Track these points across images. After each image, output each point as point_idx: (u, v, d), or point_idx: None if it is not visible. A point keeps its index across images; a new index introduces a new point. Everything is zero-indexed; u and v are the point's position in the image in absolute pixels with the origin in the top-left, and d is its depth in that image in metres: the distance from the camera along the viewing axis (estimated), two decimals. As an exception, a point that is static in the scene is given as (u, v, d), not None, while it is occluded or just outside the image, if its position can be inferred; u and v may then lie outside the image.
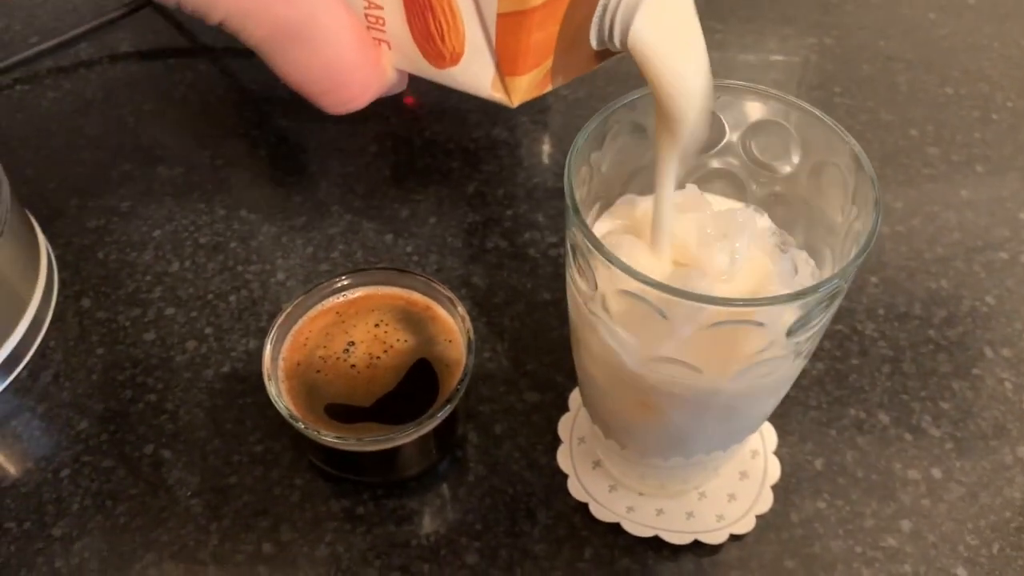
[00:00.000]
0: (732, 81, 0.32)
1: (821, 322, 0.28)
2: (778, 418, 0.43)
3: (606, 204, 0.33)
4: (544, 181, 0.54)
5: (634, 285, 0.27)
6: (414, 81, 0.59)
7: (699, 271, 0.29)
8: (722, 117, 0.33)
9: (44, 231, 0.50)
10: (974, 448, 0.43)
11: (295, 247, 0.51)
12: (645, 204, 0.33)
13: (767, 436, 0.43)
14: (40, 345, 0.47)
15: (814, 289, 0.26)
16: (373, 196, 0.53)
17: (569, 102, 0.58)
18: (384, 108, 0.57)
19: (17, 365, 0.46)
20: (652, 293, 0.27)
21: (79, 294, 0.49)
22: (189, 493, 0.41)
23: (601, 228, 0.33)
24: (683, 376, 0.29)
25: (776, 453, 0.42)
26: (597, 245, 0.27)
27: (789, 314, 0.27)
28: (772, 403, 0.35)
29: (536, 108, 0.58)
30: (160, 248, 0.51)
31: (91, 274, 0.50)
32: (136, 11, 0.62)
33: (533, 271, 0.49)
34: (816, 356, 0.46)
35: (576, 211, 0.28)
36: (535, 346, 0.46)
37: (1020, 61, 0.61)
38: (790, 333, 0.27)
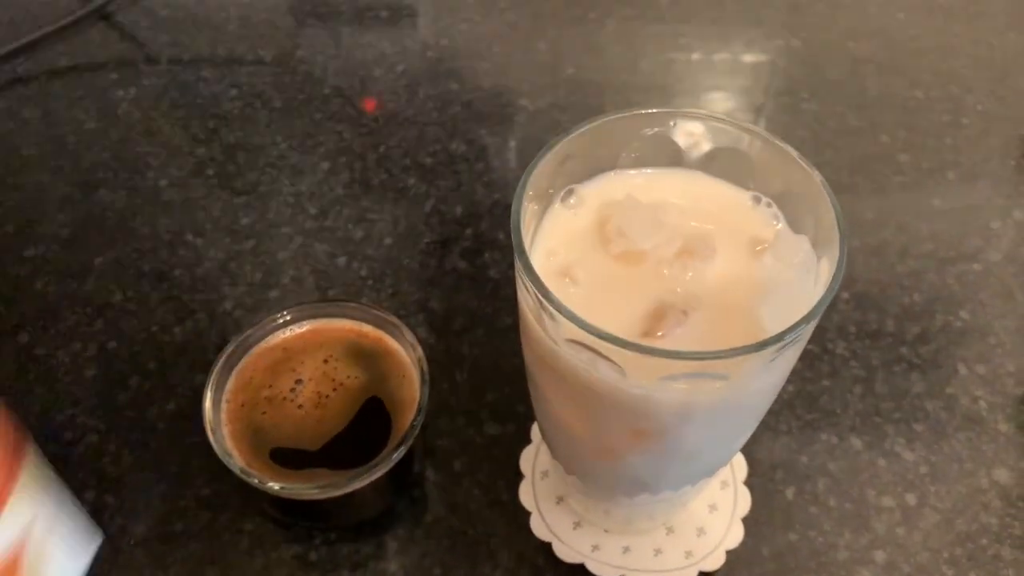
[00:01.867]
0: (689, 109, 0.30)
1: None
2: (748, 445, 0.41)
3: (548, 197, 0.31)
4: (504, 197, 0.52)
5: (582, 336, 0.25)
6: (375, 84, 0.57)
7: (674, 307, 0.27)
8: (679, 143, 0.31)
9: (-22, 262, 0.48)
10: (949, 472, 0.41)
11: (243, 273, 0.48)
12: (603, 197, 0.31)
13: (737, 466, 0.41)
14: (-27, 386, 0.44)
15: (775, 340, 0.24)
16: (326, 216, 0.51)
17: (530, 113, 0.56)
18: (338, 122, 0.55)
19: (-52, 408, 0.43)
20: (601, 345, 0.25)
21: (16, 328, 0.46)
22: (133, 542, 0.39)
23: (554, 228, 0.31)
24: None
25: (746, 483, 0.41)
26: (552, 300, 0.25)
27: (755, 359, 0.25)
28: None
29: (495, 120, 0.56)
30: (102, 277, 0.48)
31: (29, 307, 0.47)
32: (76, 23, 0.59)
33: (494, 293, 0.48)
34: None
35: (526, 261, 0.26)
36: (495, 374, 0.44)
37: (990, 62, 0.59)
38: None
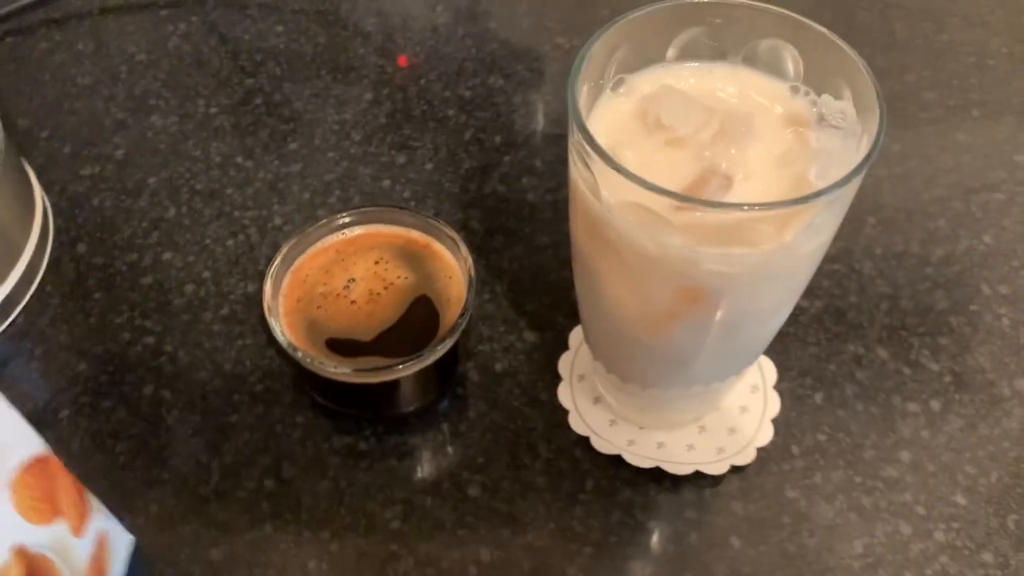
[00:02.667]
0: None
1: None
2: (777, 354, 0.43)
3: (597, 89, 0.33)
4: (541, 128, 0.54)
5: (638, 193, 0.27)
6: (406, 40, 0.59)
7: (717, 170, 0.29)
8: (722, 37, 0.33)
9: (39, 179, 0.50)
10: (972, 381, 0.43)
11: (291, 193, 0.50)
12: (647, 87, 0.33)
13: (766, 371, 0.43)
14: (36, 290, 0.46)
15: (820, 193, 0.26)
16: (369, 143, 0.53)
17: (565, 50, 0.58)
18: (380, 58, 0.57)
19: (13, 310, 0.45)
20: (657, 201, 0.27)
21: (75, 240, 0.48)
22: (190, 432, 0.41)
23: (607, 116, 0.33)
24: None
25: (776, 388, 0.43)
26: (603, 155, 0.27)
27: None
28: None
29: (532, 56, 0.58)
30: (156, 195, 0.50)
31: (87, 220, 0.49)
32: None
33: (531, 215, 0.49)
34: (814, 294, 0.46)
35: (584, 131, 0.28)
36: (534, 288, 0.46)
37: (1017, 7, 0.61)
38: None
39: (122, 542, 0.37)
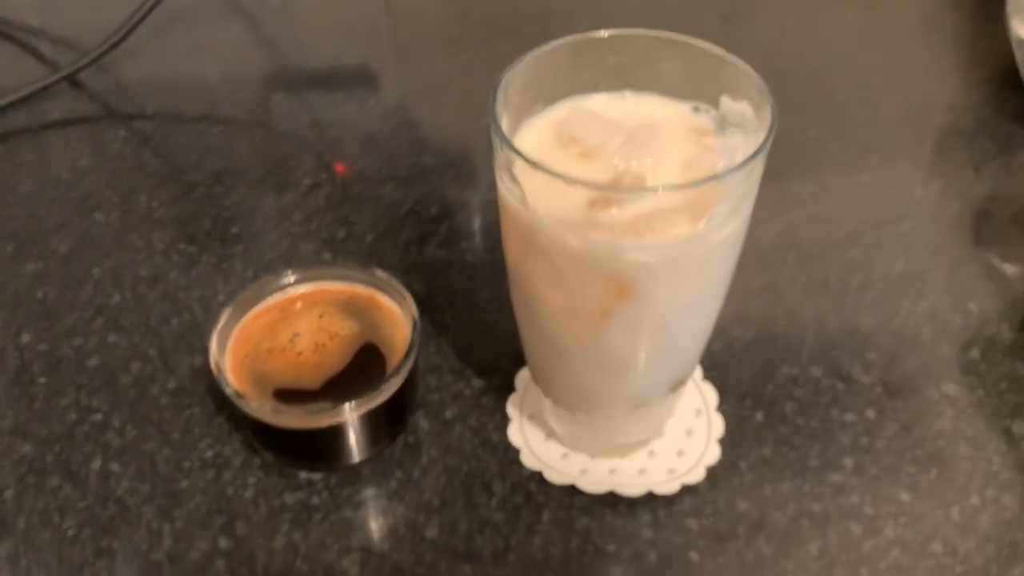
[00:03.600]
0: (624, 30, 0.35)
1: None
2: (716, 380, 0.45)
3: (516, 121, 0.35)
4: (476, 196, 0.56)
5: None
6: (342, 148, 0.61)
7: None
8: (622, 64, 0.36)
9: (-19, 276, 0.51)
10: (903, 389, 0.45)
11: (235, 271, 0.51)
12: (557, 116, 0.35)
13: (708, 395, 0.44)
14: (-21, 380, 0.46)
15: (722, 175, 0.29)
16: (310, 222, 0.55)
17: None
18: (319, 145, 0.60)
19: (-45, 399, 0.45)
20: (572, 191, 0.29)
21: (18, 331, 0.49)
22: (140, 501, 0.41)
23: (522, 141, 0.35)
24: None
25: (719, 410, 0.44)
26: (519, 154, 0.29)
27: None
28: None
29: (462, 136, 0.61)
30: (99, 283, 0.51)
31: (31, 312, 0.50)
32: (63, 80, 0.64)
33: (472, 274, 0.51)
34: (744, 324, 0.48)
35: (501, 135, 0.31)
36: (479, 339, 0.48)
37: (897, 69, 0.67)
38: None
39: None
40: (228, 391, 0.38)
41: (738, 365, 0.46)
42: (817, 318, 0.48)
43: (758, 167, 0.30)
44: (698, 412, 0.44)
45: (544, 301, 0.34)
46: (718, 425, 0.43)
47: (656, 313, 0.33)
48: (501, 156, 0.31)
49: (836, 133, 0.60)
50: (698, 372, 0.45)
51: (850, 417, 0.44)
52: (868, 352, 0.47)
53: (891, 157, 0.59)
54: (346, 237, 0.54)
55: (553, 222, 0.31)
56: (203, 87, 0.66)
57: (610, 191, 0.28)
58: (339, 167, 0.61)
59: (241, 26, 0.74)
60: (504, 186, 0.32)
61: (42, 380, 0.46)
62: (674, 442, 0.43)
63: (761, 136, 0.31)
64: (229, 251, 0.53)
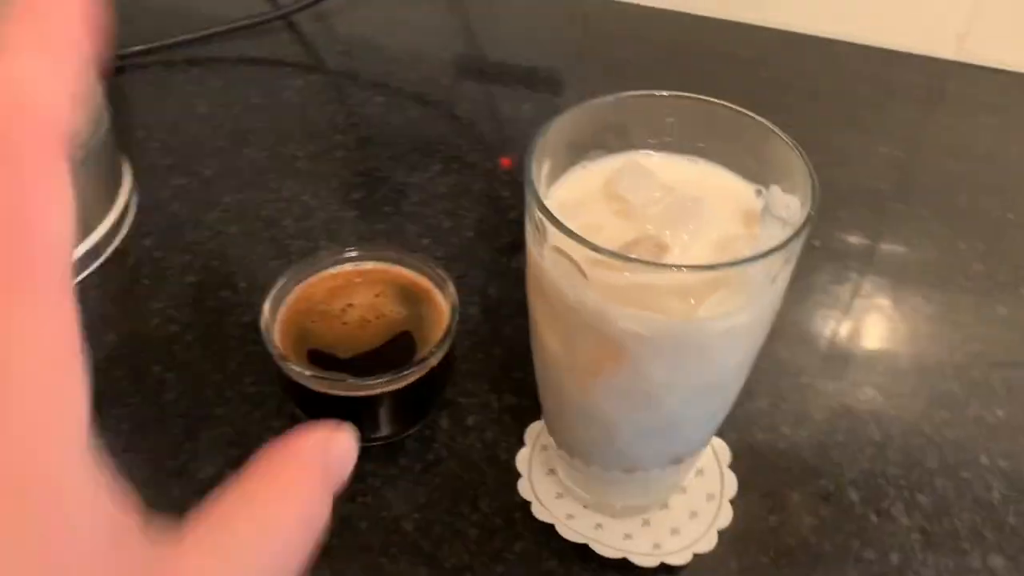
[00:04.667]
0: (694, 95, 0.34)
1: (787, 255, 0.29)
2: (745, 469, 0.43)
3: (574, 158, 0.35)
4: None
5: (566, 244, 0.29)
6: (508, 142, 0.63)
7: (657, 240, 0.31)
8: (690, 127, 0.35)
9: (136, 179, 0.57)
10: (942, 545, 0.41)
11: (340, 235, 0.55)
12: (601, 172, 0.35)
13: (728, 483, 0.43)
14: (98, 268, 0.52)
15: (715, 266, 0.28)
16: (424, 205, 0.57)
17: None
18: (460, 138, 0.62)
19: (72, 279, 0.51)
20: (575, 250, 0.29)
21: (145, 234, 0.55)
22: (176, 412, 0.45)
23: (559, 195, 0.35)
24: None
25: (732, 501, 0.42)
26: (542, 207, 0.30)
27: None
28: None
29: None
30: (225, 212, 0.56)
31: (161, 221, 0.55)
32: (264, 23, 0.70)
33: (548, 296, 0.52)
34: (800, 422, 0.45)
35: (530, 177, 0.31)
36: (527, 359, 0.48)
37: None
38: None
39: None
40: (271, 349, 0.41)
41: (773, 462, 0.44)
42: (879, 440, 0.45)
43: (772, 266, 0.29)
44: (710, 497, 0.42)
45: (545, 345, 0.35)
46: (726, 515, 0.41)
47: (646, 386, 0.32)
48: (528, 191, 0.32)
49: (987, 254, 0.55)
50: (726, 455, 0.43)
51: (869, 554, 0.40)
52: (920, 493, 0.43)
53: (1042, 296, 0.53)
54: (451, 228, 0.56)
55: (555, 268, 0.31)
56: (391, 57, 0.70)
57: (602, 254, 0.28)
58: (505, 161, 0.64)
59: (441, 6, 0.77)
60: (527, 223, 0.33)
61: (146, 282, 0.52)
62: (673, 519, 0.41)
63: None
64: (343, 213, 0.56)
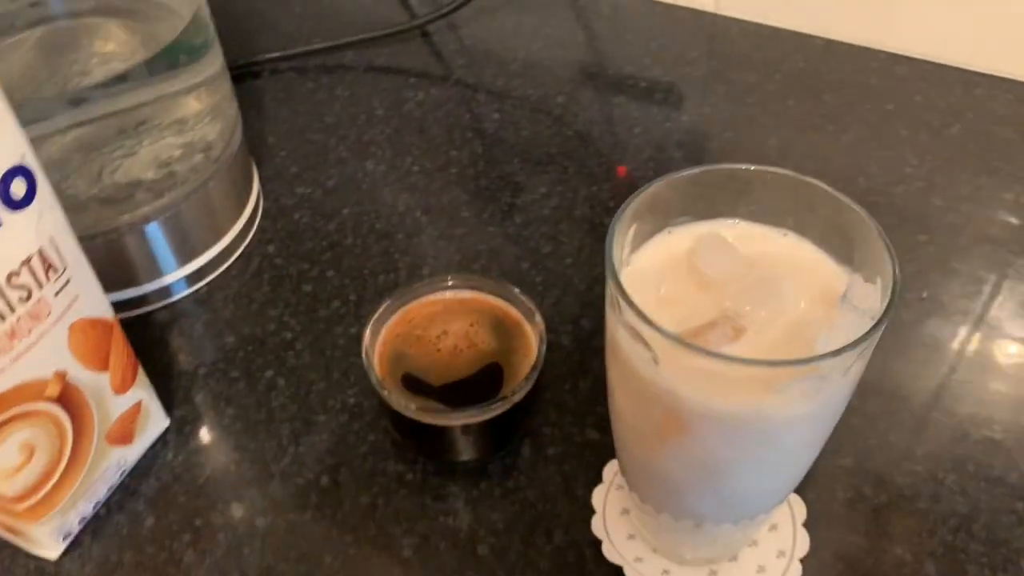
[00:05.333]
0: (799, 175, 0.34)
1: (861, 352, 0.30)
2: (818, 528, 0.43)
3: (661, 224, 0.36)
4: (684, 256, 0.57)
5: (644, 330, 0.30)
6: (623, 153, 0.64)
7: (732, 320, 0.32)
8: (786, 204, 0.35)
9: (262, 184, 0.61)
10: (1018, 631, 0.40)
11: (447, 253, 0.57)
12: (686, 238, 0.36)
13: (799, 540, 0.43)
14: (225, 270, 0.57)
15: (788, 363, 0.28)
16: (525, 227, 0.59)
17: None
18: (566, 160, 0.63)
19: (203, 279, 0.56)
20: (646, 331, 0.30)
21: (269, 241, 0.59)
22: (284, 417, 0.49)
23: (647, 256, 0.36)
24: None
25: (802, 560, 0.42)
26: (617, 282, 0.31)
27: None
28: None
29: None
30: (343, 223, 0.60)
31: (283, 228, 0.59)
32: (399, 33, 0.73)
33: (641, 330, 0.53)
34: (880, 486, 0.45)
35: (609, 247, 0.32)
36: (615, 393, 0.49)
37: None
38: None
39: (157, 419, 0.47)
40: (371, 376, 0.44)
41: (849, 524, 0.44)
42: (965, 513, 0.44)
43: (846, 361, 0.29)
44: (780, 554, 0.43)
45: (617, 403, 0.36)
46: (795, 574, 0.42)
47: (711, 460, 0.33)
48: (607, 260, 0.33)
49: (1113, 320, 0.52)
50: (801, 512, 0.44)
51: (940, 632, 0.40)
52: (1003, 573, 0.42)
53: None
54: (549, 253, 0.57)
55: (627, 338, 0.32)
56: (513, 70, 0.72)
57: (669, 341, 0.29)
58: (621, 169, 0.65)
59: (569, 18, 0.78)
60: (607, 285, 0.34)
61: (266, 288, 0.56)
62: (742, 572, 0.42)
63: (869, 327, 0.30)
64: (451, 231, 0.59)
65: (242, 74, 0.72)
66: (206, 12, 0.52)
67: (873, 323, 0.29)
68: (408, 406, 0.43)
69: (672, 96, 0.70)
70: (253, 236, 0.59)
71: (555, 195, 0.61)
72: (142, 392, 0.45)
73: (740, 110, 0.68)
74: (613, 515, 0.44)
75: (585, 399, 0.49)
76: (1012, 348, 0.51)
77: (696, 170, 0.35)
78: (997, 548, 0.43)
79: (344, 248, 0.58)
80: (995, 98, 0.67)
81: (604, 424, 0.47)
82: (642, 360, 0.31)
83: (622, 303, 0.31)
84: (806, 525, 0.44)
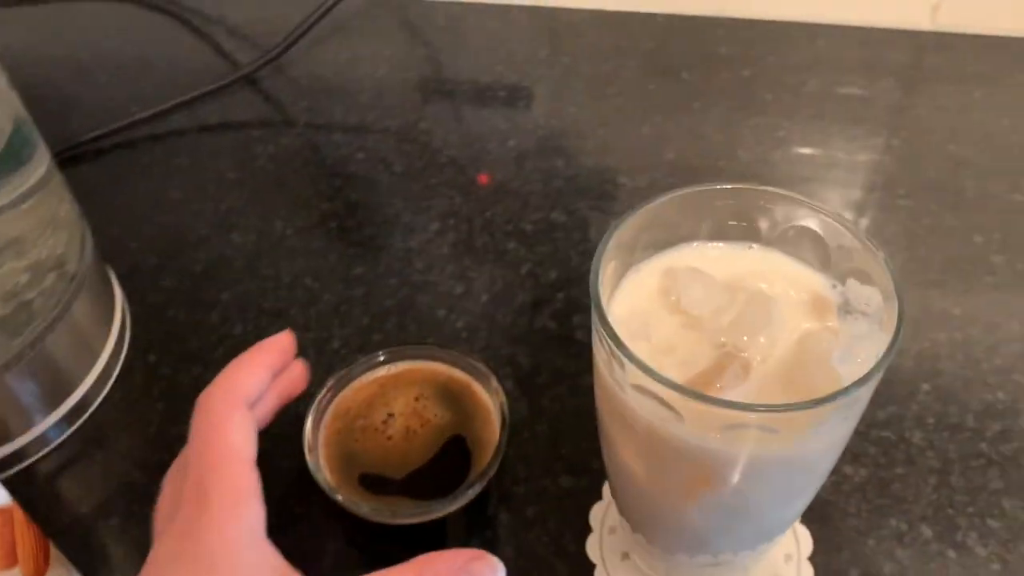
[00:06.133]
0: (766, 187, 0.33)
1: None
2: (815, 523, 0.42)
3: (627, 263, 0.34)
4: (598, 267, 0.55)
5: (647, 382, 0.27)
6: (491, 164, 0.61)
7: (737, 356, 0.30)
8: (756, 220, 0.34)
9: (122, 287, 0.54)
10: (1020, 571, 0.41)
11: (352, 317, 0.53)
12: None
13: (802, 540, 0.42)
14: (106, 396, 0.49)
15: (828, 399, 0.26)
16: (430, 272, 0.55)
17: (629, 190, 0.60)
18: (450, 188, 0.60)
19: (83, 413, 0.48)
20: (663, 391, 0.27)
21: (147, 349, 0.52)
22: (226, 550, 0.43)
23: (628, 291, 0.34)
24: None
25: (811, 559, 0.42)
26: (619, 344, 0.28)
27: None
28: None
29: (595, 194, 0.59)
30: (226, 311, 0.53)
31: (160, 331, 0.53)
32: (226, 86, 0.67)
33: (579, 354, 0.50)
34: (859, 462, 0.45)
35: (600, 311, 0.29)
36: (574, 430, 0.47)
37: (1096, 171, 0.59)
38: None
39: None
40: (318, 479, 0.39)
41: (842, 509, 0.43)
42: (940, 467, 0.45)
43: (875, 380, 0.28)
44: (788, 558, 0.42)
45: (628, 467, 0.33)
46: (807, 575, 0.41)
47: (743, 502, 0.31)
48: (595, 317, 0.30)
49: (1005, 243, 0.55)
50: (796, 512, 0.43)
51: (956, 594, 0.40)
52: (991, 518, 0.43)
53: (1066, 281, 0.53)
54: (462, 294, 0.53)
55: (639, 401, 0.29)
56: (362, 99, 0.67)
57: (699, 400, 0.27)
58: (482, 178, 0.62)
59: (405, 37, 0.74)
60: (595, 339, 0.31)
61: (160, 405, 0.49)
62: (756, 587, 0.41)
63: (887, 337, 0.28)
64: (350, 292, 0.54)
65: (60, 162, 0.63)
66: (24, 112, 0.44)
67: (893, 333, 0.28)
68: (378, 510, 0.39)
69: (531, 98, 0.68)
70: (128, 349, 0.52)
71: (449, 229, 0.57)
72: (60, 570, 0.38)
73: (605, 103, 0.66)
74: (614, 563, 0.42)
75: (547, 445, 0.46)
76: (933, 291, 0.53)
77: (660, 200, 0.33)
78: (979, 494, 0.44)
79: (236, 339, 0.52)
80: (840, 47, 0.69)
81: (576, 467, 0.45)
82: (662, 420, 0.29)
83: (627, 363, 0.28)
84: (802, 521, 0.43)
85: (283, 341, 0.40)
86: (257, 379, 0.38)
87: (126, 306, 0.53)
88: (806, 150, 0.62)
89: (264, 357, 0.39)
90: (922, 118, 0.64)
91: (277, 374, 0.40)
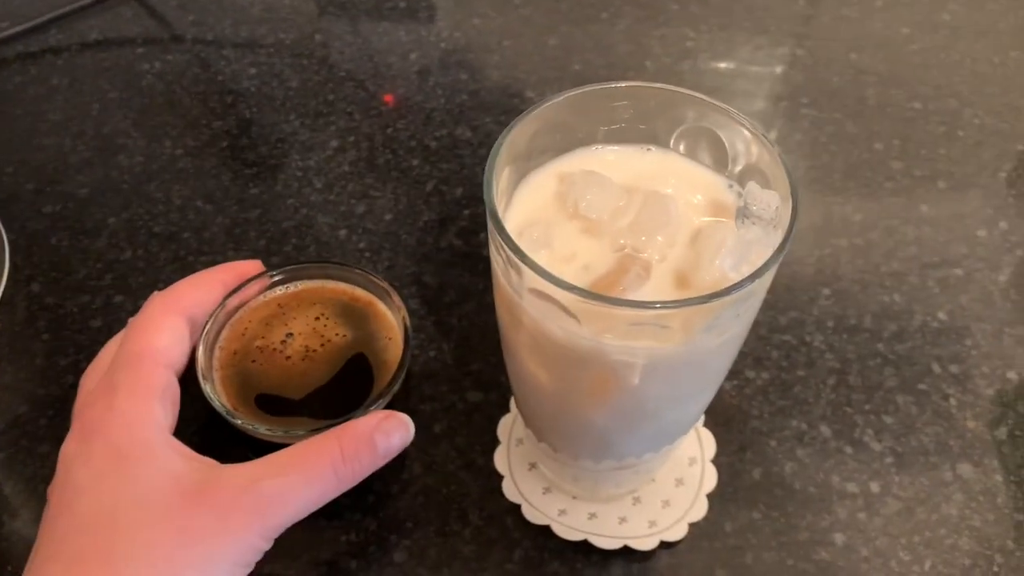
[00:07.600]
0: (662, 84, 0.32)
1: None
2: (718, 426, 0.43)
3: (523, 171, 0.33)
4: (504, 182, 0.54)
5: (546, 287, 0.27)
6: (388, 71, 0.59)
7: (637, 258, 0.29)
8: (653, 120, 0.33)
9: (1, 215, 0.50)
10: (914, 463, 0.42)
11: (248, 239, 0.50)
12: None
13: (706, 443, 0.43)
14: (-14, 329, 0.47)
15: (723, 293, 0.26)
16: (330, 191, 0.53)
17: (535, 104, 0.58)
18: (349, 104, 0.57)
19: (-39, 347, 0.45)
20: (563, 295, 0.26)
21: (30, 278, 0.49)
22: (122, 481, 0.41)
23: (525, 197, 0.33)
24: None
25: (714, 461, 0.42)
26: (516, 250, 0.27)
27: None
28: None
29: (500, 109, 0.58)
30: (114, 236, 0.51)
31: (43, 259, 0.50)
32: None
33: (486, 271, 0.49)
34: (761, 365, 0.45)
35: (495, 217, 0.28)
36: (482, 346, 0.46)
37: (991, 78, 0.60)
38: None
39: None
40: (214, 402, 0.38)
41: (744, 412, 0.44)
42: (839, 368, 0.46)
43: (761, 283, 0.27)
44: (692, 461, 0.42)
45: (530, 373, 0.33)
46: (711, 478, 0.42)
47: (643, 403, 0.31)
48: (491, 226, 0.29)
49: (903, 150, 0.56)
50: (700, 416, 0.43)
51: (852, 487, 0.42)
52: (885, 415, 0.44)
53: (959, 185, 0.54)
54: (364, 213, 0.52)
55: (537, 308, 0.28)
56: (253, 12, 0.64)
57: (599, 302, 0.26)
58: (387, 98, 0.59)
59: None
60: (492, 248, 0.30)
61: (45, 336, 0.46)
62: (662, 490, 0.41)
63: (779, 237, 0.28)
64: (245, 214, 0.52)
65: (-78, 83, 0.58)
66: None
67: (786, 233, 0.28)
68: (274, 432, 0.37)
69: (433, 9, 0.65)
70: (8, 279, 0.48)
71: (349, 147, 0.55)
72: None
73: (511, 14, 0.64)
74: (522, 474, 0.42)
75: (455, 362, 0.45)
76: (835, 198, 0.53)
77: (554, 99, 0.32)
78: (874, 392, 0.45)
79: (125, 264, 0.49)
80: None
81: (482, 382, 0.44)
82: (560, 327, 0.28)
83: (524, 269, 0.27)
84: (706, 425, 0.43)
85: (248, 267, 0.40)
86: (205, 293, 0.39)
87: (4, 234, 0.50)
88: (713, 60, 0.61)
89: (222, 275, 0.39)
90: (825, 27, 0.64)
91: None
